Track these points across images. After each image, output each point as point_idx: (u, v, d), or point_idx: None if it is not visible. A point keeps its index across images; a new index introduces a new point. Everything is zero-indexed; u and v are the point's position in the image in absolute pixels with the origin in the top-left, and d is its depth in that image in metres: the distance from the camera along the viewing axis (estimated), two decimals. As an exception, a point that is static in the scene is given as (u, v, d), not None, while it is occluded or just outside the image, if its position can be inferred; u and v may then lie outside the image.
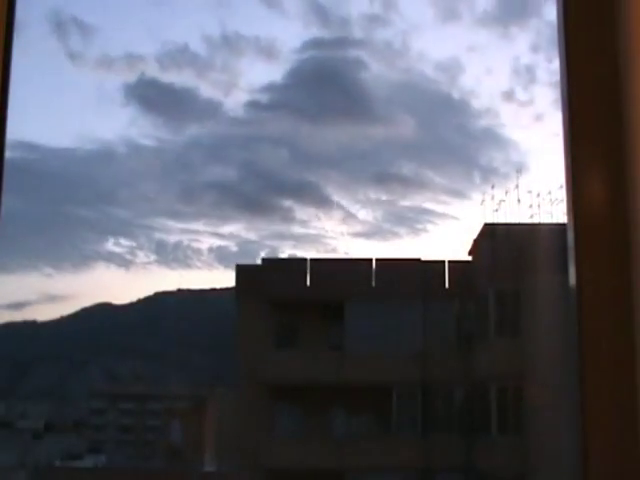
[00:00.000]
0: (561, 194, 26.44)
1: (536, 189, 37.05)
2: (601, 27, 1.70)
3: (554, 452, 23.90)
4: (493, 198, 30.71)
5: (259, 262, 33.56)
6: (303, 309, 30.81)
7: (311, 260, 32.18)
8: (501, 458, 27.80)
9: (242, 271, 32.96)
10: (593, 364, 1.59)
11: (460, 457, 29.06)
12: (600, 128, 1.66)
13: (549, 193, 30.65)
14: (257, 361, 30.43)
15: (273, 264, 32.95)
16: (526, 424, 27.21)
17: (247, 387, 30.71)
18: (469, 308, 30.82)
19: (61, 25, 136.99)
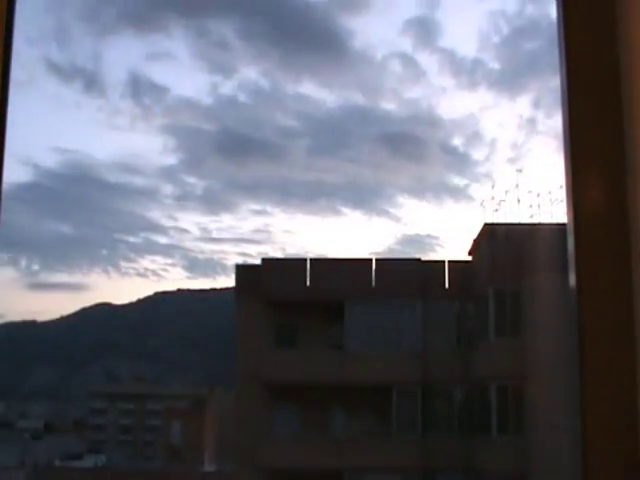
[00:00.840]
0: (561, 194, 26.45)
1: (536, 189, 37.14)
2: (600, 24, 1.70)
3: (554, 452, 23.90)
4: (493, 198, 30.72)
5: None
6: (303, 309, 30.76)
7: (311, 260, 32.03)
8: (501, 458, 27.79)
9: (242, 271, 32.91)
10: (593, 364, 1.59)
11: (460, 457, 29.05)
12: (600, 128, 1.66)
13: (549, 193, 30.66)
14: (257, 361, 30.40)
15: (273, 264, 32.83)
16: (526, 424, 27.21)
17: (247, 387, 30.70)
18: (469, 308, 30.80)
19: (135, 84, 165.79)
